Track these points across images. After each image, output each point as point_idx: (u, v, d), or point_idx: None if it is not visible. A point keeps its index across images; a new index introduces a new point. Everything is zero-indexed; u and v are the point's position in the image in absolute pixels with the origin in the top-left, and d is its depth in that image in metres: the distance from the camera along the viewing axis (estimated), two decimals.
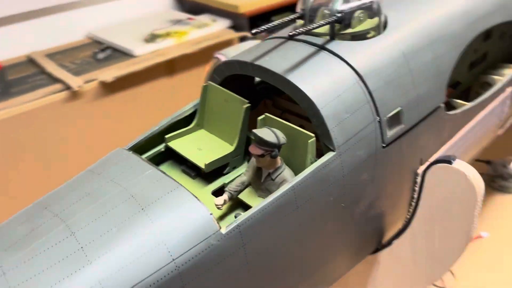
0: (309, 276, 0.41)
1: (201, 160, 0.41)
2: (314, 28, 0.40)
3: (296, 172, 0.37)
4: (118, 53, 2.04)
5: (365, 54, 0.40)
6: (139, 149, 0.42)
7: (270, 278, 0.36)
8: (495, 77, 0.58)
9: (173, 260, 0.30)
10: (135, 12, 2.43)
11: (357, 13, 0.41)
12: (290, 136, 0.37)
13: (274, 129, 0.36)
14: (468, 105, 0.51)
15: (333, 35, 0.41)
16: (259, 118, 0.39)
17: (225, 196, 0.38)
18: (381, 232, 0.47)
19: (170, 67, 2.05)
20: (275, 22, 0.43)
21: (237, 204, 0.40)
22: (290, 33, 0.37)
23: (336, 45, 0.40)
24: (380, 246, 0.48)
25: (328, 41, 0.41)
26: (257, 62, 0.39)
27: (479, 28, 0.49)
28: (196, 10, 2.46)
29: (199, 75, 2.30)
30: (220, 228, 0.32)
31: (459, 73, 0.57)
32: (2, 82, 1.52)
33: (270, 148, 0.35)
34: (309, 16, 0.42)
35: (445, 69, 0.45)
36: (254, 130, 0.36)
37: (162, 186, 0.33)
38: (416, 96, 0.42)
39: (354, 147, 0.38)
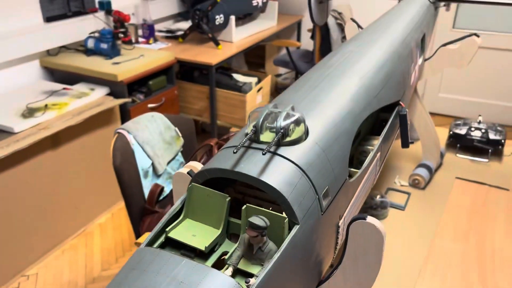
0: None
1: (200, 243, 0.56)
2: (273, 142, 0.58)
3: (275, 242, 0.55)
4: None
5: (302, 155, 0.60)
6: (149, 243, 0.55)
7: None
8: (369, 147, 0.84)
9: None
10: (1, 86, 2.36)
11: (291, 126, 0.62)
12: (269, 218, 0.55)
13: (261, 216, 0.53)
14: (359, 171, 0.74)
15: (279, 144, 0.61)
16: (243, 208, 0.56)
17: (230, 268, 0.53)
18: (321, 270, 0.66)
19: (54, 140, 2.05)
20: (235, 133, 0.61)
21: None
22: (263, 152, 0.55)
23: (283, 150, 0.60)
24: (320, 281, 0.68)
25: (277, 148, 0.60)
26: (236, 169, 0.56)
27: (359, 122, 0.74)
28: (70, 79, 2.48)
29: (85, 144, 2.34)
30: None
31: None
32: None
33: (261, 230, 0.52)
34: (260, 129, 0.61)
35: (346, 153, 0.68)
36: (249, 219, 0.52)
37: (198, 270, 0.47)
38: (334, 177, 0.63)
39: (308, 218, 0.57)
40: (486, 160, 1.60)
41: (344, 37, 3.28)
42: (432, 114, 3.87)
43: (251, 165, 0.57)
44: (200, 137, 3.28)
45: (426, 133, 1.45)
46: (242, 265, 0.55)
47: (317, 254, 0.61)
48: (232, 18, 2.94)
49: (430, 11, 1.33)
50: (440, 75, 3.69)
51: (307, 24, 3.82)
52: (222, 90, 2.81)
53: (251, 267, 0.54)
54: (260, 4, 3.34)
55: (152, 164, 1.45)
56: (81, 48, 2.64)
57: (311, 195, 0.58)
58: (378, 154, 0.83)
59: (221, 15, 2.86)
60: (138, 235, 1.46)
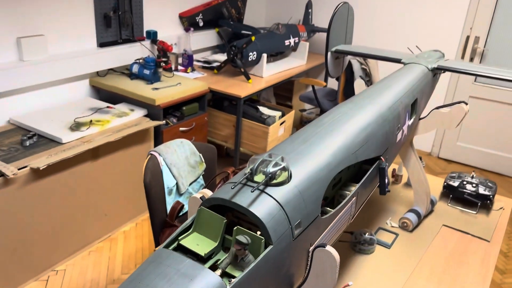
0: None
1: (201, 251, 0.78)
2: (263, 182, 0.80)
3: (254, 256, 0.76)
4: (44, 140, 2.30)
5: (283, 194, 0.82)
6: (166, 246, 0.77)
7: None
8: (346, 192, 1.05)
9: None
10: (54, 100, 2.68)
11: (278, 171, 0.83)
12: (251, 237, 0.76)
13: (246, 236, 0.75)
14: (332, 211, 0.95)
15: (267, 184, 0.82)
16: (234, 228, 0.78)
17: (220, 271, 0.75)
18: (292, 284, 0.87)
19: (94, 152, 2.33)
20: (244, 170, 0.83)
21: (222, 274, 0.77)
22: (251, 190, 0.77)
23: (269, 190, 0.82)
24: None
25: (265, 187, 0.82)
26: (232, 200, 0.78)
27: (334, 172, 0.95)
28: (113, 99, 2.79)
29: (120, 159, 2.62)
30: (227, 286, 0.69)
31: (326, 191, 1.03)
32: None
33: (244, 245, 0.74)
34: (255, 171, 0.83)
35: (320, 196, 0.89)
36: (236, 237, 0.74)
37: (197, 268, 0.69)
38: (306, 213, 0.84)
39: (280, 241, 0.78)
40: (475, 212, 1.76)
41: (368, 81, 3.49)
42: (448, 161, 4.00)
43: (243, 198, 0.79)
44: (223, 160, 3.53)
45: (418, 182, 1.64)
46: (229, 270, 0.76)
47: (287, 270, 0.82)
48: (264, 56, 3.21)
49: (428, 78, 1.53)
50: (461, 125, 3.83)
51: None
52: (247, 121, 3.05)
53: (235, 272, 0.75)
54: (292, 44, 3.60)
55: (176, 184, 1.69)
56: (126, 71, 2.95)
57: (285, 225, 0.79)
58: (354, 199, 1.04)
59: (254, 53, 3.13)
60: (157, 244, 1.68)
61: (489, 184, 1.80)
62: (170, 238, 0.78)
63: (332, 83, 4.13)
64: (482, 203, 1.77)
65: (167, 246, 0.78)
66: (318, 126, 1.05)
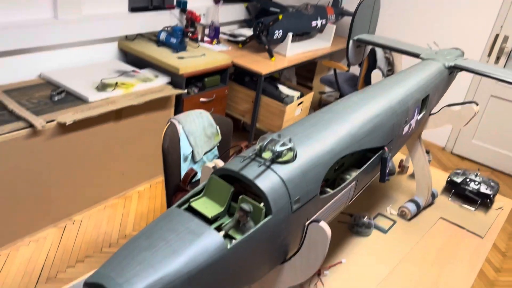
0: (247, 276, 0.88)
1: (209, 213, 0.88)
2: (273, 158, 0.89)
3: (255, 223, 0.85)
4: (72, 97, 2.41)
5: (287, 171, 0.90)
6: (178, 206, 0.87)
7: (239, 272, 0.84)
8: (347, 176, 1.13)
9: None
10: (83, 59, 2.79)
11: (285, 151, 0.92)
12: (253, 206, 0.85)
13: (249, 204, 0.84)
14: (331, 191, 1.04)
15: (273, 161, 0.91)
16: (240, 197, 0.87)
17: (223, 232, 0.84)
18: (286, 252, 0.97)
19: (117, 114, 2.44)
20: (253, 147, 0.92)
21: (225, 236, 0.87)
22: (259, 165, 0.86)
23: (275, 167, 0.90)
24: (285, 260, 0.98)
25: (271, 164, 0.91)
26: (240, 172, 0.87)
27: (337, 157, 1.03)
28: (139, 63, 2.88)
29: (141, 122, 2.74)
30: (227, 245, 0.78)
31: (328, 174, 1.11)
32: None
33: (248, 212, 0.83)
34: (263, 148, 0.92)
35: (320, 177, 0.97)
36: (241, 204, 0.83)
37: (203, 227, 0.79)
38: (306, 191, 0.93)
39: (279, 213, 0.87)
40: (473, 209, 1.82)
41: (389, 70, 3.51)
42: (461, 157, 4.02)
43: (251, 172, 0.88)
44: (239, 133, 3.62)
45: (421, 175, 1.70)
46: (231, 232, 0.86)
47: (283, 239, 0.92)
48: (290, 35, 3.24)
49: (443, 75, 1.58)
50: (477, 123, 3.84)
51: None
52: (266, 98, 3.12)
53: (236, 235, 0.85)
54: (319, 25, 3.62)
55: (192, 152, 1.79)
56: (154, 38, 3.03)
57: (285, 199, 0.88)
58: (354, 183, 1.12)
59: (280, 31, 3.17)
60: (169, 206, 1.80)
61: (491, 183, 1.86)
62: (183, 199, 0.88)
63: (355, 69, 4.15)
64: (482, 201, 1.83)
65: (179, 206, 0.88)
66: (328, 112, 1.13)
